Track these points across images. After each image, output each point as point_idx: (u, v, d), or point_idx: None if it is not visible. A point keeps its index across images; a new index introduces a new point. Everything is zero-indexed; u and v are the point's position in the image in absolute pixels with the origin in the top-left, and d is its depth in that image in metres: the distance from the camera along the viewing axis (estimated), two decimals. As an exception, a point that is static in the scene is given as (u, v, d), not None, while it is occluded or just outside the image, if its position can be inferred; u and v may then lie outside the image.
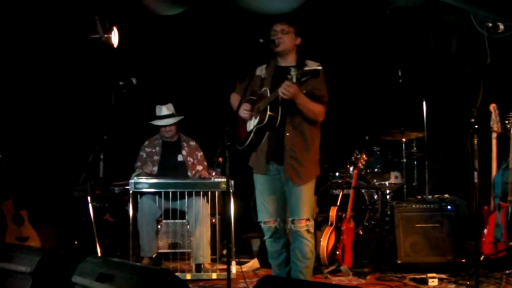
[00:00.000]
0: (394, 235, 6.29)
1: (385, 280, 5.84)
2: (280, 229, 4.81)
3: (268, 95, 4.60)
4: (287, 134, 4.64)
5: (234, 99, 5.00)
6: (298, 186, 4.65)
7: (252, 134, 4.74)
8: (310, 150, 4.71)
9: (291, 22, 4.76)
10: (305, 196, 4.68)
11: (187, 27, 7.83)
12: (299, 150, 4.65)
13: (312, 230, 4.73)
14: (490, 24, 4.82)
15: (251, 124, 4.76)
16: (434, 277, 5.56)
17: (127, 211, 6.12)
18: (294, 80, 4.35)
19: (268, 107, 4.54)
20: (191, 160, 6.71)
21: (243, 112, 4.78)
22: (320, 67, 4.33)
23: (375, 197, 7.71)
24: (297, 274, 4.71)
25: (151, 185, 6.04)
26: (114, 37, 6.39)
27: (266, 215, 4.80)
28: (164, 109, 6.62)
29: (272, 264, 4.96)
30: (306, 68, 4.37)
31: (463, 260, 5.96)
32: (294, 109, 4.59)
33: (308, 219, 4.66)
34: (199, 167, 6.70)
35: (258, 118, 4.67)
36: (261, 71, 4.92)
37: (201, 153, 6.83)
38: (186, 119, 6.70)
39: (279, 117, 4.56)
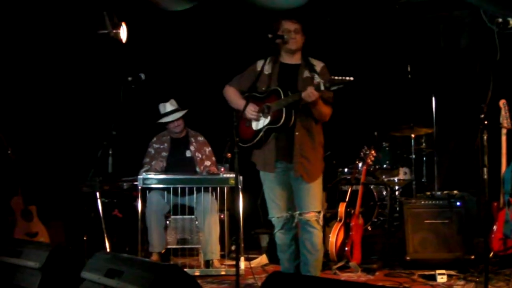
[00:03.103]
0: (403, 231, 6.27)
1: (394, 276, 5.83)
2: (291, 220, 4.87)
3: (282, 96, 4.63)
4: (297, 133, 4.70)
5: (231, 92, 5.06)
6: (308, 183, 4.72)
7: (261, 133, 4.76)
8: (317, 148, 4.82)
9: (301, 20, 4.81)
10: (315, 191, 4.77)
11: (195, 22, 7.82)
12: (308, 148, 4.74)
13: (321, 221, 4.80)
14: (500, 20, 4.78)
15: (260, 123, 4.79)
16: (443, 274, 5.55)
17: (136, 207, 6.12)
18: (322, 88, 4.43)
19: (284, 109, 4.61)
20: (199, 156, 6.70)
21: (251, 113, 4.79)
22: (352, 78, 4.37)
23: (384, 193, 7.69)
24: (308, 269, 4.78)
25: (160, 181, 6.04)
26: (123, 33, 6.37)
27: (277, 211, 4.87)
28: (168, 105, 6.61)
29: (281, 257, 5.00)
30: (337, 78, 4.38)
31: (472, 257, 5.94)
32: (305, 110, 4.68)
33: (319, 212, 4.77)
34: (207, 163, 6.69)
35: (269, 118, 4.71)
36: (264, 67, 4.89)
37: (209, 148, 6.82)
38: (194, 114, 6.70)
39: (293, 119, 4.65)
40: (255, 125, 4.83)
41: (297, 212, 4.79)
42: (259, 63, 4.93)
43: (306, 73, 4.80)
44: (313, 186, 4.76)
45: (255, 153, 4.93)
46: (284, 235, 4.91)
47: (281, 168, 4.81)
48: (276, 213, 4.88)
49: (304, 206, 4.75)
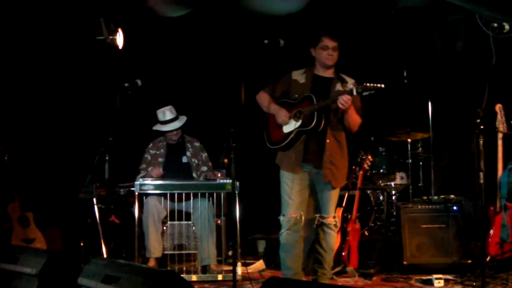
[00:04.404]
0: (400, 236, 6.27)
1: (391, 281, 5.83)
2: (300, 221, 5.09)
3: (315, 101, 4.89)
4: (328, 141, 5.00)
5: (264, 97, 5.26)
6: (334, 189, 5.07)
7: (292, 135, 5.01)
8: (345, 157, 5.14)
9: (339, 39, 5.12)
10: (335, 197, 5.15)
11: (192, 28, 7.83)
12: (337, 156, 5.05)
13: (338, 224, 5.27)
14: (496, 24, 4.80)
15: (291, 126, 5.04)
16: (440, 278, 5.55)
17: (133, 213, 6.12)
18: (354, 93, 4.71)
19: (316, 113, 4.87)
20: (196, 161, 6.70)
21: (283, 118, 5.06)
22: (383, 86, 4.65)
23: (381, 198, 7.69)
24: (323, 265, 5.15)
25: (157, 187, 6.03)
26: (119, 39, 6.39)
27: (291, 209, 5.09)
28: (168, 113, 6.55)
29: (285, 257, 5.17)
30: (369, 84, 4.66)
31: (469, 261, 5.94)
32: (335, 119, 4.99)
33: (334, 216, 5.14)
34: (204, 168, 6.69)
35: (300, 121, 4.96)
36: (298, 76, 5.20)
37: (206, 154, 6.81)
38: (191, 120, 6.69)
39: (322, 124, 4.90)
40: (286, 128, 5.08)
41: (319, 214, 5.12)
42: (294, 73, 5.23)
43: (338, 86, 5.05)
44: (335, 192, 5.12)
45: (281, 154, 5.17)
46: (290, 236, 5.09)
47: (307, 170, 5.08)
48: (290, 211, 5.08)
49: (326, 210, 5.10)
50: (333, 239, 5.16)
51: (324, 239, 5.11)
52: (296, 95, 5.09)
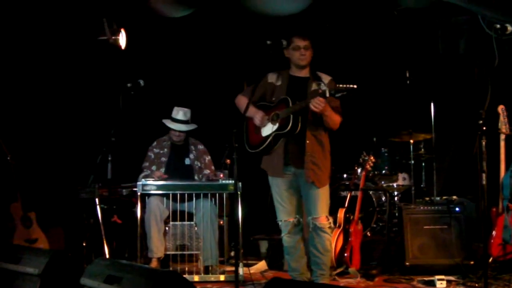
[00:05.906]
0: (402, 237, 6.27)
1: (393, 282, 5.82)
2: (298, 224, 5.20)
3: (290, 104, 4.90)
4: (308, 141, 4.98)
5: (242, 101, 5.23)
6: (318, 189, 5.02)
7: (270, 138, 5.03)
8: (327, 156, 5.13)
9: (310, 37, 5.09)
10: (324, 196, 5.10)
11: (194, 29, 7.84)
12: (319, 156, 5.03)
13: (332, 225, 5.24)
14: (498, 25, 4.80)
15: (268, 130, 5.06)
16: (442, 279, 5.54)
17: (135, 213, 6.12)
18: (327, 95, 4.67)
19: (291, 116, 4.88)
20: (199, 164, 6.69)
21: (260, 121, 5.09)
22: (355, 86, 4.63)
23: (383, 198, 7.69)
24: (321, 267, 5.14)
25: (159, 187, 6.04)
26: (122, 39, 6.39)
27: (285, 214, 5.18)
28: (181, 114, 6.56)
29: (289, 259, 5.29)
30: (341, 85, 4.64)
31: (472, 262, 5.94)
32: (315, 119, 4.95)
33: (327, 217, 5.09)
34: (206, 171, 6.68)
35: (277, 124, 4.98)
36: (273, 78, 5.21)
37: (209, 157, 6.80)
38: (193, 120, 6.68)
39: (299, 126, 4.89)
40: (264, 132, 5.10)
41: (310, 217, 5.09)
42: (270, 75, 5.24)
43: (314, 86, 5.04)
44: (323, 192, 5.06)
45: (264, 159, 5.20)
46: (291, 239, 5.19)
47: (290, 173, 5.09)
48: (284, 216, 5.18)
49: (315, 211, 5.06)
50: (328, 242, 5.13)
51: (319, 242, 5.10)
52: (273, 98, 5.14)
